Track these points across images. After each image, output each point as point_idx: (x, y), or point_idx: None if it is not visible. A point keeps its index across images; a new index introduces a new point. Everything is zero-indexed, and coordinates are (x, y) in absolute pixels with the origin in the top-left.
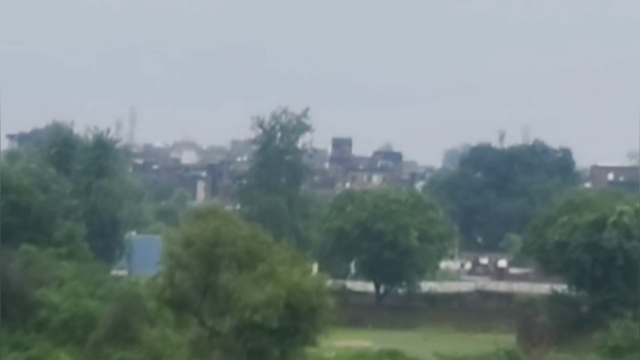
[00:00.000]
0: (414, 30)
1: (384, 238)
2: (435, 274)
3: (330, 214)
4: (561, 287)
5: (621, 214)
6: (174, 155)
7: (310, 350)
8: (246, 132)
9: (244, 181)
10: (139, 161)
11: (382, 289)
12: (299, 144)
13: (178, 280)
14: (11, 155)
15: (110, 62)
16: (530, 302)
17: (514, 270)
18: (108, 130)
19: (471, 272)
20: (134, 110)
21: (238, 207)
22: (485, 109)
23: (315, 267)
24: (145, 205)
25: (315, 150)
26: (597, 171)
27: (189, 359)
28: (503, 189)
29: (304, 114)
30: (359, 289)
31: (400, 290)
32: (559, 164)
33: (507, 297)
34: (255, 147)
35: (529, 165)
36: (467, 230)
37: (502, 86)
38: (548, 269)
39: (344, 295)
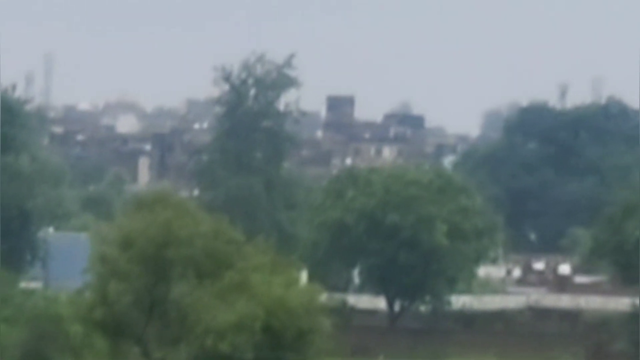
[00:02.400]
0: None
1: (399, 235)
2: (471, 285)
3: (324, 202)
4: None
5: None
6: (106, 121)
7: None
8: (207, 88)
9: (204, 157)
10: (58, 129)
11: (397, 306)
12: (281, 105)
13: (113, 295)
14: None
15: None
16: (603, 323)
17: (580, 279)
18: (14, 87)
19: (522, 282)
20: (50, 59)
21: (196, 192)
22: (541, 55)
23: (304, 276)
24: (66, 190)
25: (303, 114)
26: None
27: None
28: (565, 165)
29: (288, 62)
30: (366, 306)
31: (423, 308)
32: None
33: (572, 316)
34: (219, 110)
35: (602, 132)
36: (516, 224)
37: (564, 23)
38: (628, 276)
39: (346, 314)
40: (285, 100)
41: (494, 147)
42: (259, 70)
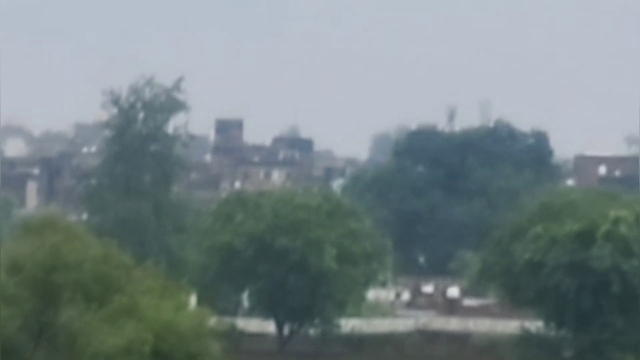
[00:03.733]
0: None
1: (288, 258)
2: (360, 308)
3: (213, 226)
4: (535, 325)
5: (616, 221)
6: None
7: None
8: (95, 112)
9: (93, 181)
10: None
11: (286, 330)
12: (170, 128)
13: (1, 320)
14: None
15: None
16: (492, 346)
17: (469, 302)
18: None
19: (411, 305)
20: None
21: (85, 216)
22: (429, 78)
23: (193, 300)
24: None
25: (192, 137)
26: (584, 163)
27: None
28: (454, 188)
29: (176, 86)
30: (255, 330)
31: (312, 331)
32: (531, 154)
33: (461, 339)
34: (107, 133)
35: (490, 155)
36: (405, 247)
37: (452, 46)
38: (517, 299)
39: (235, 338)
40: (174, 123)
41: (383, 170)
42: (147, 93)
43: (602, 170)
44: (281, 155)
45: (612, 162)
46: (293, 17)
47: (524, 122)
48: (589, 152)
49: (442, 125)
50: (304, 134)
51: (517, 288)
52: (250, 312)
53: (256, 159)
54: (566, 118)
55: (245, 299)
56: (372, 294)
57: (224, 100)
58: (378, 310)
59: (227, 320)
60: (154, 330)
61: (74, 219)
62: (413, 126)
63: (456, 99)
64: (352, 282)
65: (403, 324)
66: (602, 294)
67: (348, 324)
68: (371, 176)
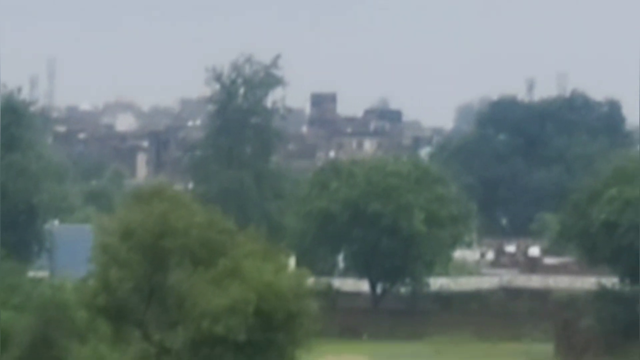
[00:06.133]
0: None
1: (380, 222)
2: (448, 268)
3: (310, 193)
4: (611, 281)
5: None
6: (105, 120)
7: None
8: (199, 88)
9: (198, 152)
10: (61, 129)
11: (379, 289)
12: (268, 102)
13: (115, 283)
14: None
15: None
16: (571, 302)
17: (549, 261)
18: (19, 89)
19: (495, 264)
20: (53, 63)
21: (190, 185)
22: (509, 52)
23: (292, 262)
24: (70, 186)
25: (289, 110)
26: None
27: None
28: (533, 155)
29: (274, 63)
30: (351, 289)
31: (404, 290)
32: (605, 121)
33: (542, 295)
34: (211, 108)
35: (567, 123)
36: (489, 210)
37: (530, 21)
38: (594, 257)
39: (332, 297)
40: (272, 98)
41: (467, 139)
42: (247, 70)
43: None
44: (372, 126)
45: None
46: None
47: (598, 92)
48: None
49: (521, 95)
50: (393, 105)
51: (594, 247)
52: (346, 273)
53: (349, 130)
54: (637, 87)
55: (340, 261)
56: (458, 254)
57: (318, 75)
58: (464, 269)
59: (324, 280)
60: (256, 290)
61: (180, 188)
62: (495, 97)
63: (535, 71)
64: (439, 243)
65: (488, 281)
66: None
67: (436, 283)
68: (456, 145)
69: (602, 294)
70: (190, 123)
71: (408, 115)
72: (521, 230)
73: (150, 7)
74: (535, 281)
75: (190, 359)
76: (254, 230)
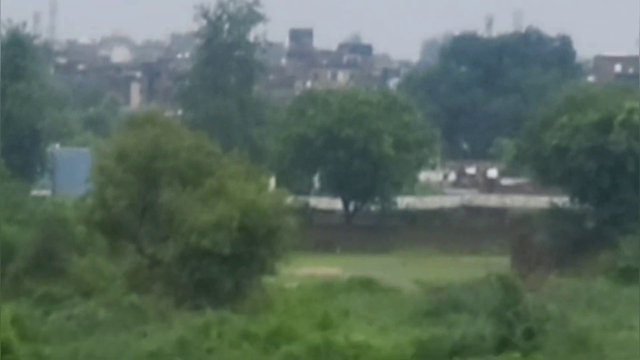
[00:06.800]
0: None
1: (352, 146)
2: (414, 188)
3: (289, 119)
4: (562, 200)
5: (631, 111)
6: (102, 52)
7: (268, 280)
8: (188, 23)
9: (187, 82)
10: (62, 60)
11: (351, 207)
12: (251, 37)
13: (111, 201)
14: None
15: None
16: (526, 219)
17: (506, 181)
18: (24, 24)
19: (456, 185)
20: (55, 0)
21: (180, 112)
22: None
23: (272, 182)
24: (70, 112)
25: (270, 44)
26: (602, 62)
27: (125, 292)
28: (492, 85)
29: (256, 1)
30: (325, 207)
31: (373, 208)
32: (557, 55)
33: (499, 212)
34: (198, 42)
35: (522, 56)
36: (451, 135)
37: None
38: (546, 179)
39: (308, 214)
40: (255, 33)
41: (431, 71)
42: (232, 7)
43: (618, 68)
44: (345, 59)
45: (626, 61)
46: None
47: (551, 28)
48: (607, 53)
49: (481, 31)
50: (365, 40)
51: (546, 169)
52: (321, 192)
53: (324, 62)
54: (587, 24)
55: (316, 181)
56: (423, 176)
57: (297, 12)
58: (428, 189)
59: (301, 199)
60: (240, 208)
61: (170, 115)
62: (457, 32)
63: (494, 9)
64: (406, 166)
65: (450, 200)
66: (618, 173)
67: (403, 201)
68: (421, 76)
69: (554, 212)
70: (179, 55)
71: (378, 49)
72: (480, 154)
73: None
74: (493, 200)
75: (180, 270)
76: (237, 153)
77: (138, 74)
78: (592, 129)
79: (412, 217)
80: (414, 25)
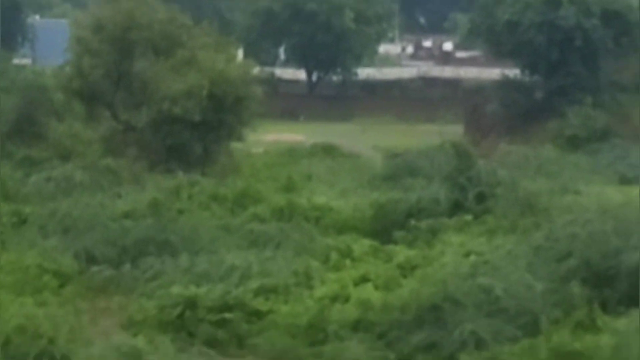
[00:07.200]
0: None
1: (316, 20)
2: (373, 60)
3: None
4: (513, 72)
5: None
6: None
7: (236, 145)
8: None
9: None
10: None
11: (315, 77)
12: None
13: (87, 69)
14: None
15: None
16: (479, 89)
17: (460, 54)
18: None
19: (413, 57)
20: None
21: None
22: None
23: (240, 53)
24: None
25: None
26: None
27: (101, 156)
28: None
29: None
30: (290, 77)
31: (335, 78)
32: None
33: (454, 83)
34: None
35: None
36: (408, 10)
37: None
38: (498, 52)
39: (273, 84)
40: None
41: None
42: None
43: None
44: None
45: None
46: None
47: None
48: None
49: None
50: None
51: (498, 43)
52: (286, 63)
53: None
54: None
55: (281, 53)
56: (382, 48)
57: None
58: (387, 61)
59: (267, 69)
60: (209, 77)
61: None
62: None
63: None
64: (366, 39)
65: (407, 72)
66: (567, 47)
67: (363, 72)
68: None
69: (505, 83)
70: None
71: None
72: (436, 27)
73: None
74: (448, 72)
75: (152, 135)
76: (207, 25)
77: None
78: (543, 5)
79: (372, 87)
80: None
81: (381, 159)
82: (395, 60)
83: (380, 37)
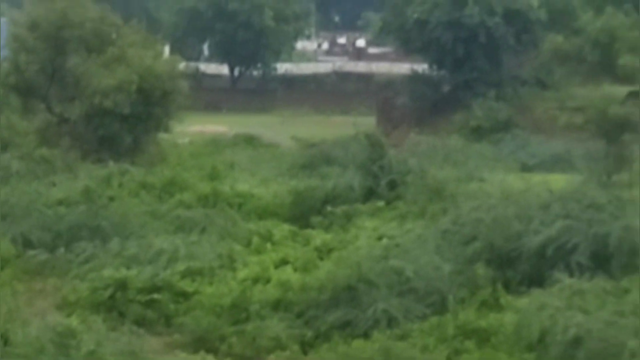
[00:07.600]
0: None
1: (237, 18)
2: (291, 55)
3: None
4: (422, 67)
5: None
6: None
7: (163, 136)
8: None
9: None
10: None
11: (236, 72)
12: None
13: (24, 65)
14: None
15: None
16: (390, 83)
17: (373, 50)
18: None
19: (329, 53)
20: None
21: None
22: None
23: (167, 50)
24: None
25: None
26: None
27: (36, 146)
28: None
29: None
30: (213, 72)
31: (256, 73)
32: None
33: (366, 78)
34: None
35: None
36: (324, 8)
37: None
38: (408, 48)
39: (198, 78)
40: None
41: None
42: None
43: None
44: None
45: None
46: None
47: None
48: None
49: None
50: None
51: (408, 40)
52: (209, 59)
53: None
54: None
55: (205, 49)
56: (299, 45)
57: None
58: (304, 57)
59: (192, 65)
60: (138, 73)
61: None
62: None
63: None
64: (285, 36)
65: (323, 67)
66: (471, 44)
67: (282, 67)
68: None
69: (415, 77)
70: None
71: None
72: (350, 25)
73: None
74: (361, 67)
75: (85, 127)
76: (136, 24)
77: None
78: (449, 4)
79: (290, 81)
80: None
81: (299, 148)
82: (312, 56)
83: (298, 35)
